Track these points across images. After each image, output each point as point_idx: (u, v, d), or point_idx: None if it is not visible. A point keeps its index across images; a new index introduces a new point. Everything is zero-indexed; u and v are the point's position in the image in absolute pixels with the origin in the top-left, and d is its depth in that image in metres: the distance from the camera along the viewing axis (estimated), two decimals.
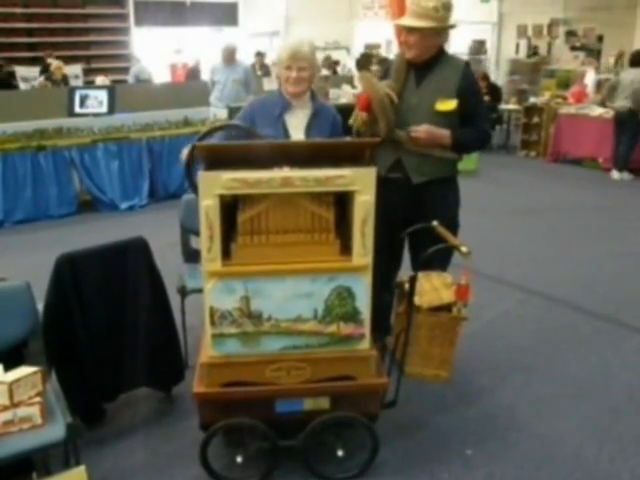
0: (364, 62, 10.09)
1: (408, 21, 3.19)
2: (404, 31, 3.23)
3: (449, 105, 3.23)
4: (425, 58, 3.27)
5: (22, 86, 11.25)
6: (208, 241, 2.41)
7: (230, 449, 2.92)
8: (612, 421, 3.28)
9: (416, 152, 3.29)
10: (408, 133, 3.25)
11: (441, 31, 3.25)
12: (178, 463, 2.95)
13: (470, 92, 3.30)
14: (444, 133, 3.26)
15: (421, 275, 2.85)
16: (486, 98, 10.78)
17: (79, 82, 11.58)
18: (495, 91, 11.26)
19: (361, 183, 2.41)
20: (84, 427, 3.11)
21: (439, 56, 3.31)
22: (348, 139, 3.22)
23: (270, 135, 3.04)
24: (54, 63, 11.36)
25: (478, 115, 3.37)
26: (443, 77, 3.28)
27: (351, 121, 3.33)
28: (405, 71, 3.31)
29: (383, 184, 2.97)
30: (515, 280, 5.13)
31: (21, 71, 12.29)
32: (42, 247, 5.62)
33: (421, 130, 3.23)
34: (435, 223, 2.93)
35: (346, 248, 2.52)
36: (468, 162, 8.83)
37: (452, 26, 3.27)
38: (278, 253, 2.48)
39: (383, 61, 10.14)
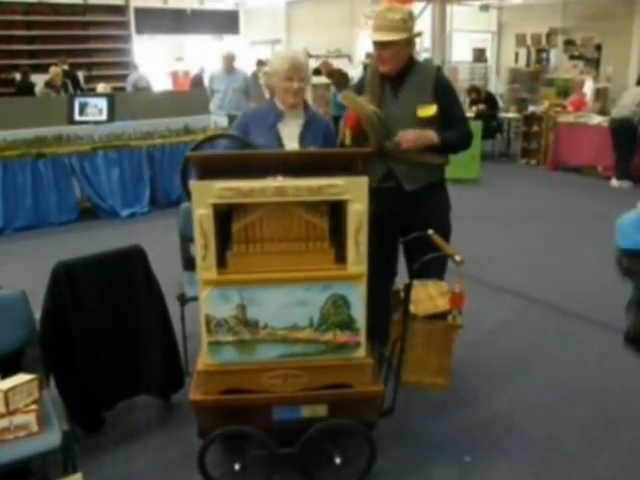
0: (343, 81, 10.13)
1: (379, 36, 3.21)
2: (377, 46, 3.25)
3: (430, 110, 3.27)
4: (399, 69, 3.30)
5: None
6: (203, 250, 2.42)
7: (228, 456, 2.93)
8: (609, 428, 3.28)
9: (405, 161, 3.31)
10: (397, 144, 3.26)
11: (411, 41, 3.31)
12: (177, 470, 2.95)
13: (446, 94, 3.35)
14: (431, 134, 3.28)
15: (417, 283, 2.86)
16: (481, 106, 10.82)
17: None
18: (491, 99, 11.29)
19: (353, 192, 2.42)
20: (83, 435, 3.12)
21: (411, 65, 3.35)
22: (341, 149, 3.24)
23: (264, 144, 3.06)
24: (52, 69, 11.41)
25: (457, 115, 3.42)
26: (419, 84, 3.32)
27: (339, 141, 3.34)
28: (379, 84, 3.34)
29: (378, 194, 2.99)
30: (515, 288, 5.13)
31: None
32: (43, 255, 5.61)
33: (409, 137, 3.24)
34: (430, 232, 2.94)
35: (341, 257, 2.53)
36: (470, 170, 8.87)
37: (419, 34, 3.38)
38: (273, 261, 2.49)
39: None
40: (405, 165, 3.32)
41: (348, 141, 3.24)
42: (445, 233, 3.30)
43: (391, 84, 3.34)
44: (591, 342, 4.22)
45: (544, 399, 3.54)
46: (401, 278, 3.47)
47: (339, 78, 10.58)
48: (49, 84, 11.28)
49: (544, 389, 3.65)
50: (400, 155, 3.29)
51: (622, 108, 8.92)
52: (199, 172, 2.52)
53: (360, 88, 3.46)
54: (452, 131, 3.35)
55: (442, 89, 3.34)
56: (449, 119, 3.33)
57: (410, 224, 3.23)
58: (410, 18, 3.26)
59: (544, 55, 14.70)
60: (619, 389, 3.64)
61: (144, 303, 3.17)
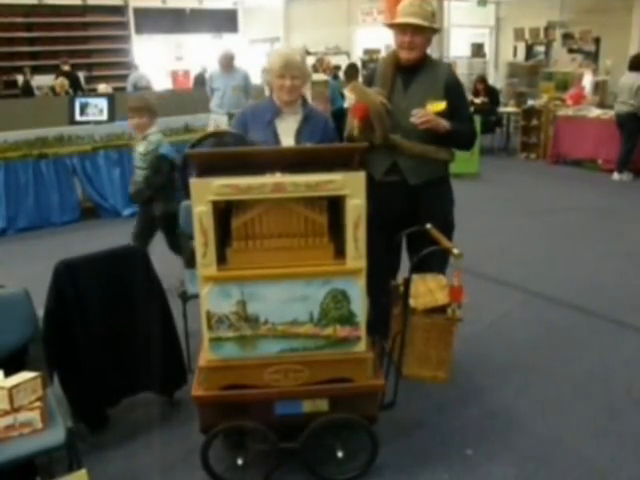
0: (352, 73, 10.22)
1: (416, 20, 3.26)
2: (408, 32, 3.29)
3: (439, 106, 3.29)
4: (418, 60, 3.35)
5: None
6: (203, 247, 2.44)
7: (231, 452, 2.95)
8: (611, 420, 3.29)
9: (411, 154, 3.33)
10: (411, 121, 3.25)
11: (433, 35, 3.41)
12: (181, 466, 2.97)
13: (456, 92, 3.40)
14: (444, 121, 3.30)
15: (416, 277, 2.88)
16: (484, 99, 10.82)
17: None
18: (493, 93, 11.29)
19: (351, 187, 2.44)
20: (87, 432, 3.14)
21: (424, 59, 3.40)
22: (339, 144, 3.26)
23: (261, 140, 3.09)
24: (58, 81, 11.44)
25: (464, 115, 3.45)
26: (430, 79, 3.36)
27: (347, 131, 3.36)
28: (392, 76, 3.37)
29: (380, 188, 3.01)
30: (516, 281, 5.14)
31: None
32: (45, 254, 5.61)
33: (422, 112, 3.25)
34: (429, 226, 2.96)
35: (340, 252, 2.54)
36: (469, 165, 8.86)
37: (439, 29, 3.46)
38: (273, 257, 2.51)
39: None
40: (410, 159, 3.35)
41: (356, 132, 3.26)
42: (448, 229, 3.32)
43: (402, 77, 3.38)
44: (591, 334, 4.23)
45: (545, 392, 3.56)
46: (403, 273, 3.50)
47: (348, 70, 10.65)
48: (52, 90, 11.33)
49: (545, 382, 3.66)
50: (406, 148, 3.31)
51: (622, 104, 8.89)
52: (198, 169, 2.54)
53: (370, 81, 3.49)
54: (461, 124, 3.38)
55: (453, 87, 3.38)
56: (456, 117, 3.35)
57: (413, 219, 3.23)
58: (436, 14, 3.43)
59: (538, 49, 14.67)
60: (620, 381, 3.65)
61: (146, 301, 3.18)
